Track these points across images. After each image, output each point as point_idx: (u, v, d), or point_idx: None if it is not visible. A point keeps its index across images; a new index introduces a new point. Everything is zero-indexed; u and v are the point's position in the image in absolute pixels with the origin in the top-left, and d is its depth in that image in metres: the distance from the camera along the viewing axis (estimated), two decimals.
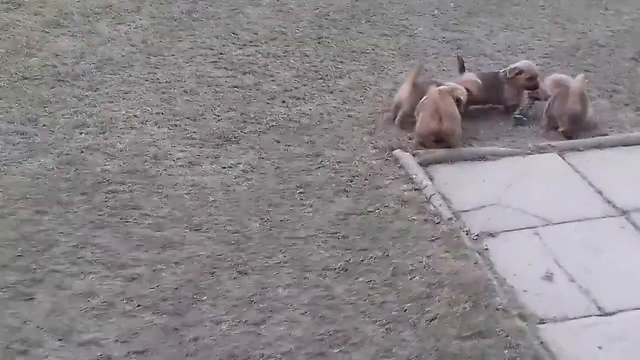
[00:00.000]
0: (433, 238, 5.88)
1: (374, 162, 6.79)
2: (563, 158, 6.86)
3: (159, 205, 6.15)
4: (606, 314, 5.23)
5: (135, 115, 7.36)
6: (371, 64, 8.54)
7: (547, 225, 6.05)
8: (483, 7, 9.99)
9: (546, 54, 8.77)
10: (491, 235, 5.98)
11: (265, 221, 6.03)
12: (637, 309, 5.24)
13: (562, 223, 6.07)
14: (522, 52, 8.86)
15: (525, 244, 5.88)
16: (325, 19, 9.55)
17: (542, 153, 6.94)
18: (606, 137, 7.16)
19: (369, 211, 6.17)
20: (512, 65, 7.62)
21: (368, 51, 8.82)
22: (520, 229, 6.02)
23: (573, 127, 7.14)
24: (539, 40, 9.17)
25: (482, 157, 6.86)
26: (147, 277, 5.45)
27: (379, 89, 8.04)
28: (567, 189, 6.48)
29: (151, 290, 5.34)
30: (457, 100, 7.10)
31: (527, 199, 6.32)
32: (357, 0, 10.03)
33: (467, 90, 7.27)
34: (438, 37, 9.21)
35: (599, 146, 7.01)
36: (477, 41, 9.12)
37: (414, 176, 6.54)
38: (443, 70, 8.41)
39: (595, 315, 5.23)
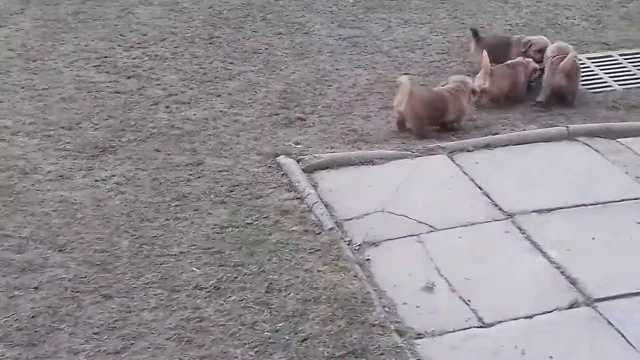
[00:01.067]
0: (312, 250, 5.63)
1: (256, 169, 6.52)
2: (452, 159, 6.67)
3: (22, 225, 5.77)
4: (485, 326, 5.04)
5: (5, 126, 6.95)
6: (263, 64, 8.26)
7: (431, 231, 5.85)
8: (382, 2, 9.76)
9: (443, 50, 8.59)
10: (374, 244, 5.76)
11: (136, 238, 5.71)
12: (516, 319, 5.06)
13: (446, 229, 5.87)
14: (420, 48, 8.67)
15: (408, 252, 5.67)
16: (219, 17, 9.22)
17: (431, 155, 6.74)
18: (497, 136, 6.99)
19: (247, 223, 5.89)
20: (526, 38, 7.98)
21: (261, 51, 8.53)
22: (403, 237, 5.81)
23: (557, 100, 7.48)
24: (437, 35, 8.98)
25: (369, 161, 6.63)
26: (1, 305, 5.07)
27: (269, 90, 7.76)
28: (454, 192, 6.29)
29: (5, 319, 4.97)
30: (473, 92, 7.17)
31: (413, 204, 6.12)
32: None
33: None
34: (334, 34, 8.96)
35: (489, 146, 6.84)
36: (374, 37, 8.90)
37: (296, 184, 6.28)
38: (336, 69, 8.17)
39: (475, 327, 5.04)
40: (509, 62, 7.68)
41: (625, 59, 8.40)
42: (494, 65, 7.53)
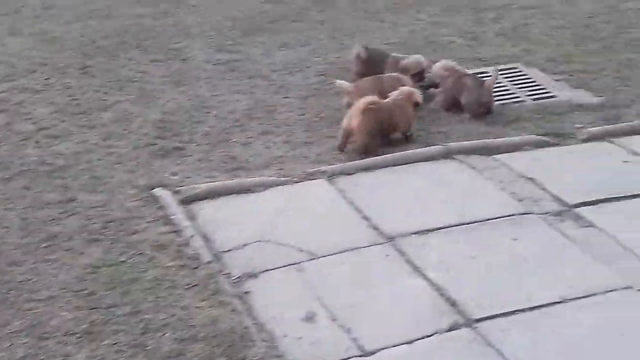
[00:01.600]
0: (189, 286, 5.46)
1: (132, 204, 6.31)
2: (332, 183, 6.61)
3: None
4: (366, 354, 4.96)
5: None
6: (139, 93, 8.06)
7: (312, 259, 5.74)
8: (260, 25, 9.71)
9: (321, 72, 8.57)
10: (253, 276, 5.62)
11: (3, 284, 5.43)
12: (398, 345, 5.00)
13: (327, 256, 5.78)
14: (299, 71, 8.65)
15: (288, 282, 5.56)
16: (92, 46, 8.99)
17: (311, 180, 6.67)
18: (376, 157, 6.96)
19: (121, 261, 5.67)
20: (402, 63, 7.91)
21: (136, 79, 8.33)
22: (283, 266, 5.69)
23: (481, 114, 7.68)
24: (317, 57, 8.97)
25: (248, 190, 6.50)
26: None
27: (144, 120, 7.56)
28: (334, 217, 6.22)
29: None
30: (416, 104, 7.17)
31: (293, 232, 6.02)
32: (128, 24, 9.50)
33: None
34: (212, 59, 8.85)
35: (369, 168, 6.80)
36: (253, 62, 8.82)
37: (172, 217, 6.10)
38: (214, 95, 8.03)
39: (356, 357, 4.94)
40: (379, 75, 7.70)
41: (500, 74, 8.53)
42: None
